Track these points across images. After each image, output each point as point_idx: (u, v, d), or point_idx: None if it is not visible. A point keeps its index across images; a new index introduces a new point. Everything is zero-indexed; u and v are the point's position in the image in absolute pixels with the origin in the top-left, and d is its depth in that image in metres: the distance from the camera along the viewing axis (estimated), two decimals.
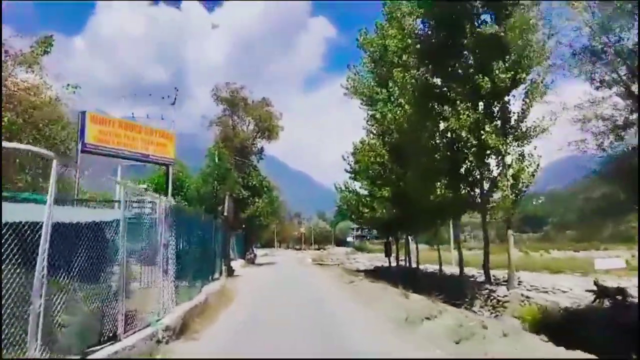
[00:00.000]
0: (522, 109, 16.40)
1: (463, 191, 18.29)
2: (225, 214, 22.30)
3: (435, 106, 19.54)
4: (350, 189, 30.57)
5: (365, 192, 27.03)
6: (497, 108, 17.27)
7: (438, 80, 19.93)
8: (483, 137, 16.14)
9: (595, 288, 14.25)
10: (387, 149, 24.68)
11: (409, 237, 28.42)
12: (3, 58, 12.08)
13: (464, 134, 16.29)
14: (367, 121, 27.38)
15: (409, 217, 24.33)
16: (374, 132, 26.02)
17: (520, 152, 16.68)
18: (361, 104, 27.44)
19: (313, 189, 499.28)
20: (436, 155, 19.06)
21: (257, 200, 38.47)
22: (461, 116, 16.16)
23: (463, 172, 18.49)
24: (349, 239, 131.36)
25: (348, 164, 30.54)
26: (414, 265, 29.03)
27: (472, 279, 25.27)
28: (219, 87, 41.17)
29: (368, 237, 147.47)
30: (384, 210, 24.27)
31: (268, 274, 27.30)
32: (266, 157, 43.78)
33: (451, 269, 35.83)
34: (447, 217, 22.31)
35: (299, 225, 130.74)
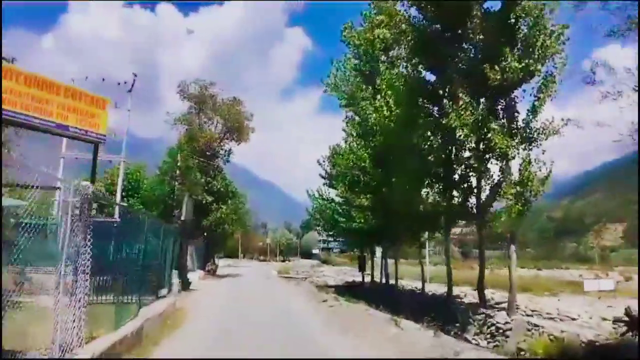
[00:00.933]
0: (534, 106, 14.13)
1: (456, 199, 15.85)
2: (183, 218, 19.21)
3: (427, 104, 17.21)
4: (325, 196, 27.92)
5: (342, 200, 24.39)
6: (502, 105, 14.99)
7: (432, 77, 17.60)
8: (489, 136, 13.78)
9: (625, 317, 11.92)
10: (369, 152, 22.19)
11: (384, 251, 25.87)
12: None
13: (464, 133, 13.87)
14: (347, 122, 24.86)
15: (390, 229, 21.84)
16: (354, 134, 23.50)
17: (527, 156, 14.39)
18: (341, 104, 24.95)
19: (282, 200, 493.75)
20: (429, 158, 16.65)
21: (221, 206, 35.26)
22: (462, 112, 13.77)
23: (457, 178, 16.10)
24: (315, 251, 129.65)
25: (324, 169, 27.94)
26: (390, 281, 26.53)
27: (457, 299, 22.96)
28: (187, 83, 37.97)
29: (334, 250, 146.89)
30: (362, 220, 21.69)
31: (230, 289, 24.18)
32: (235, 166, 40.84)
33: (427, 287, 33.55)
34: (435, 229, 19.83)
35: (264, 236, 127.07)
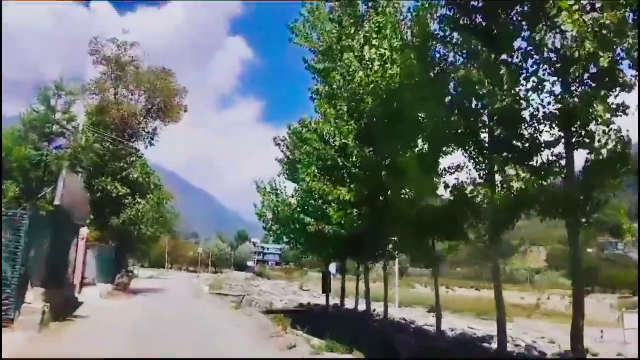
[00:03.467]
0: None
1: (524, 180, 9.30)
2: (58, 202, 11.49)
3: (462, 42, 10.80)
4: (281, 191, 20.85)
5: (307, 194, 17.30)
6: None
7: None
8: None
9: None
10: (352, 125, 15.57)
11: (359, 265, 18.98)
12: None
13: (588, 47, 7.51)
14: (318, 88, 18.01)
15: (382, 233, 15.23)
16: (329, 103, 16.72)
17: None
18: (313, 63, 18.13)
19: (215, 210, 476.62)
20: (471, 120, 10.27)
21: (138, 200, 27.05)
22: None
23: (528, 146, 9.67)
24: (250, 263, 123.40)
25: (282, 150, 20.81)
26: (360, 304, 19.92)
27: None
28: (100, 42, 29.66)
29: (269, 263, 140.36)
30: (342, 221, 14.77)
31: (138, 317, 16.37)
32: (164, 170, 32.74)
33: (400, 311, 27.28)
34: (461, 234, 13.11)
35: (196, 245, 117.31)
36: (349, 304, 22.39)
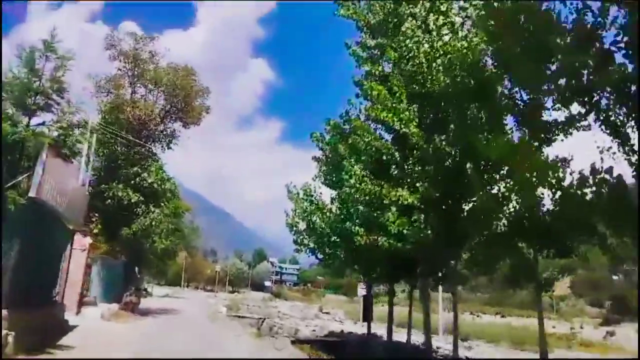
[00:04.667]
0: None
1: None
2: (33, 194, 8.39)
3: None
4: (316, 197, 17.45)
5: (353, 200, 13.80)
6: None
7: None
8: None
9: None
10: (414, 110, 12.29)
11: (422, 286, 15.09)
12: None
13: None
14: (369, 70, 14.63)
15: (455, 245, 11.70)
16: (383, 85, 13.39)
17: None
18: (360, 39, 14.95)
19: (233, 228, 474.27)
20: None
21: (152, 209, 24.03)
22: None
23: None
24: (267, 283, 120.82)
25: (318, 146, 17.31)
26: (413, 336, 16.19)
27: None
28: (117, 36, 27.23)
29: (287, 283, 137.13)
30: (407, 229, 11.17)
31: (139, 347, 13.01)
32: (185, 189, 30.03)
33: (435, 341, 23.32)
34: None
35: (213, 263, 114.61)
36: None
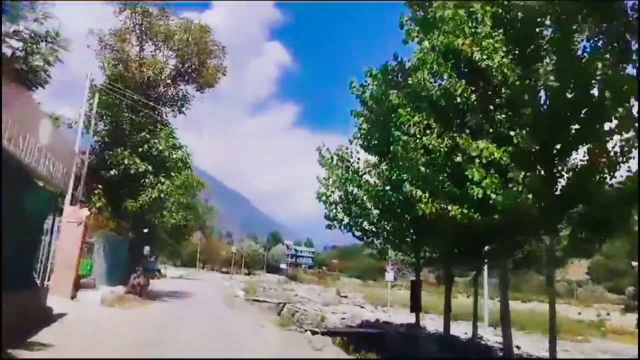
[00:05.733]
0: None
1: None
2: None
3: None
4: (353, 163, 14.31)
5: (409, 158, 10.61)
6: None
7: None
8: None
9: None
10: (500, 36, 9.09)
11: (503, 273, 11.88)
12: None
13: None
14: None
15: (552, 219, 8.55)
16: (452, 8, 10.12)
17: None
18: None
19: (248, 212, 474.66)
20: None
21: (161, 180, 21.20)
22: None
23: None
24: (282, 266, 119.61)
25: (360, 98, 13.94)
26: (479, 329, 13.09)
27: None
28: None
29: (302, 266, 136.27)
30: (494, 191, 8.06)
31: (138, 341, 10.22)
32: (199, 171, 27.15)
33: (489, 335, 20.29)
34: None
35: (229, 245, 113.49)
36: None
